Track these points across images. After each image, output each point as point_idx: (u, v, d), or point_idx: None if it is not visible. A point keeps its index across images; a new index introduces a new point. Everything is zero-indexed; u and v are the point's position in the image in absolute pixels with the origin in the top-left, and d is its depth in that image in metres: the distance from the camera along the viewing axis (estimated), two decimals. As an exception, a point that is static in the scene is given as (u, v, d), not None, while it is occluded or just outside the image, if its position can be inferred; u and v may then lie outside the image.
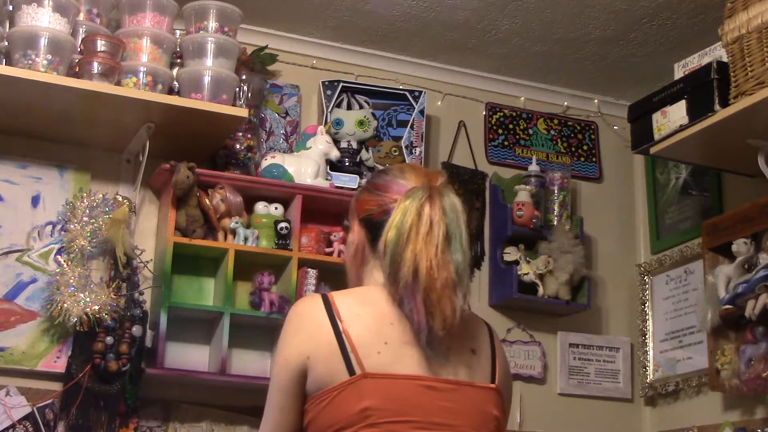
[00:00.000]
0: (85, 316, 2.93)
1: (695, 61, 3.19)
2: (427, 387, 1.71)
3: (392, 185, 1.83)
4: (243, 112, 3.09)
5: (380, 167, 3.47)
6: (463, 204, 1.82)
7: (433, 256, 1.70)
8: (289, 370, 1.73)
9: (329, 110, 3.49)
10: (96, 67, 2.94)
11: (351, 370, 1.68)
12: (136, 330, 3.00)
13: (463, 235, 1.77)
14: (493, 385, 1.79)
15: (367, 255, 1.84)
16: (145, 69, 3.01)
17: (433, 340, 1.71)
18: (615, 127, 3.98)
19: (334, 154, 3.40)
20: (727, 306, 3.11)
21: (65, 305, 2.94)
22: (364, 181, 3.46)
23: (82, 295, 2.95)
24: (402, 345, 1.72)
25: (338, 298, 1.75)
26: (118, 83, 2.98)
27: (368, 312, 1.74)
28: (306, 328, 1.73)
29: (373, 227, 1.81)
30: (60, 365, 3.01)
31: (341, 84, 3.54)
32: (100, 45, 2.98)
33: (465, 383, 1.75)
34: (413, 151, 3.54)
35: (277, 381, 1.76)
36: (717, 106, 2.94)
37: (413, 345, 1.73)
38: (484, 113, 3.84)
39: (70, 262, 3.02)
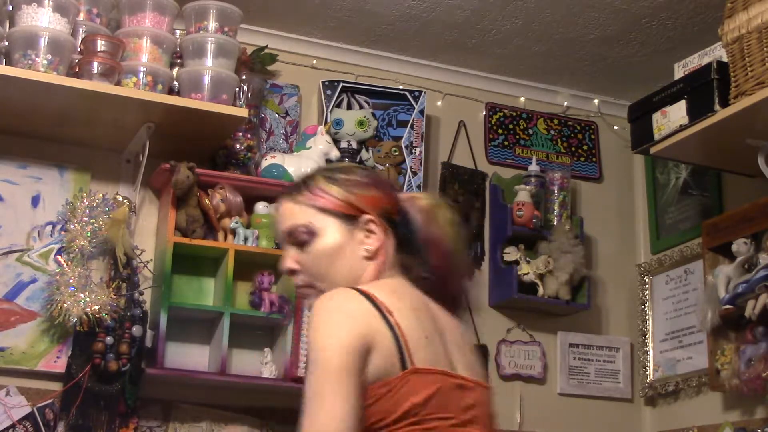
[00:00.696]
0: (85, 316, 2.93)
1: (695, 61, 3.19)
2: (457, 385, 1.68)
3: (388, 184, 1.89)
4: (243, 112, 3.10)
5: (381, 167, 3.47)
6: None
7: (463, 253, 1.83)
8: (353, 354, 1.56)
9: (329, 110, 3.49)
10: (96, 67, 2.94)
11: (404, 365, 1.60)
12: (136, 330, 3.00)
13: None
14: (489, 385, 1.80)
15: (389, 252, 1.78)
16: (145, 69, 3.01)
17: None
18: (615, 127, 3.98)
19: (334, 154, 3.40)
20: (727, 306, 3.11)
21: (65, 305, 2.94)
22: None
23: (82, 295, 2.95)
24: (433, 341, 1.69)
25: (375, 291, 1.66)
26: (118, 83, 2.98)
27: (405, 306, 1.68)
28: (358, 315, 1.60)
29: (394, 225, 1.80)
30: (60, 365, 3.01)
31: (341, 84, 3.54)
32: (100, 45, 2.98)
33: (478, 382, 1.75)
34: (413, 151, 3.54)
35: (340, 368, 1.54)
36: (717, 106, 2.94)
37: (439, 341, 1.70)
38: (484, 113, 3.84)
39: (70, 262, 3.02)
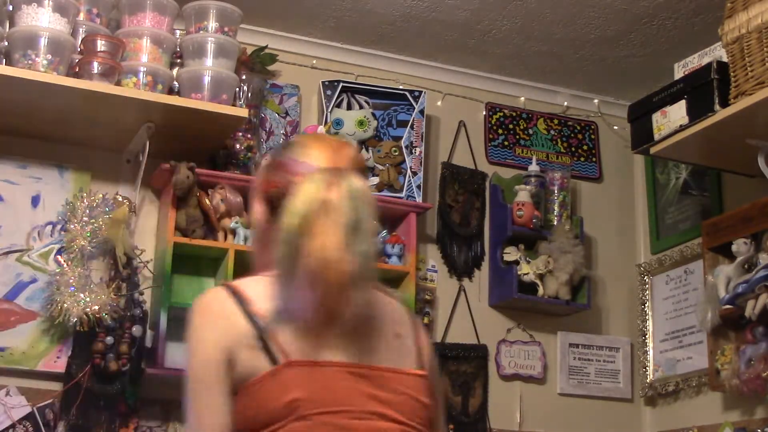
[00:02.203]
0: (85, 316, 2.93)
1: (695, 61, 3.19)
2: (354, 374, 1.57)
3: (293, 164, 1.67)
4: (243, 112, 3.10)
5: (381, 167, 3.47)
6: (369, 187, 1.67)
7: (334, 248, 1.53)
8: (212, 367, 1.57)
9: (329, 110, 3.49)
10: (96, 67, 2.94)
11: (273, 359, 1.55)
12: (136, 330, 3.00)
13: (368, 224, 1.59)
14: (421, 372, 1.66)
15: (271, 238, 1.65)
16: (145, 69, 3.01)
17: (327, 333, 1.59)
18: (615, 127, 3.98)
19: (334, 154, 3.39)
20: (727, 306, 3.12)
21: (65, 305, 2.94)
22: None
23: (82, 295, 2.95)
24: (321, 332, 1.58)
25: (246, 285, 1.65)
26: (118, 83, 2.98)
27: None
28: (219, 321, 1.59)
29: (274, 209, 1.67)
30: (60, 365, 3.01)
31: (341, 84, 3.54)
32: (100, 45, 2.98)
33: (393, 370, 1.62)
34: (413, 151, 3.54)
35: (201, 380, 1.58)
36: (717, 106, 2.95)
37: (332, 331, 1.58)
38: (484, 113, 3.84)
39: (70, 262, 3.02)
